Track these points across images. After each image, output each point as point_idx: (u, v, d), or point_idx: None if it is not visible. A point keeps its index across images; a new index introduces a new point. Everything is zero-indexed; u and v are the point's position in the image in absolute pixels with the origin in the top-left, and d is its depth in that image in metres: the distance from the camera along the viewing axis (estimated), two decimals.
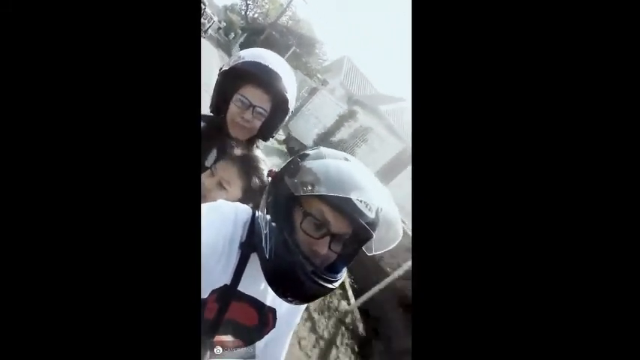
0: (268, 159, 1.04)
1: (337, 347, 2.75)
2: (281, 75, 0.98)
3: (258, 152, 1.00)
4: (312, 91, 8.93)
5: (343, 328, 2.98)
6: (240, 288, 0.69)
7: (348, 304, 3.36)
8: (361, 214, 0.61)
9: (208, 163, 0.95)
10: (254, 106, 0.97)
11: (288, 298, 0.64)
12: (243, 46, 17.37)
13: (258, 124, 1.00)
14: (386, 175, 5.92)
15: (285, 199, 0.64)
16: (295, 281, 0.60)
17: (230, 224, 0.68)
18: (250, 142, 1.04)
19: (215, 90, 1.02)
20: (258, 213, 0.67)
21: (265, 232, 0.63)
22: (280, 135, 8.21)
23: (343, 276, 0.66)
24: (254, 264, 0.67)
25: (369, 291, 3.20)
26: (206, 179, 0.89)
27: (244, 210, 0.71)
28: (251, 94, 0.97)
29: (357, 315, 3.26)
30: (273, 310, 0.75)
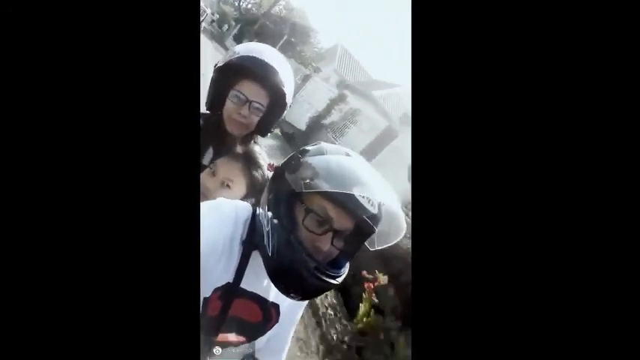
0: (262, 140, 1.06)
1: None
2: (277, 69, 0.96)
3: (257, 148, 0.99)
4: (305, 78, 9.33)
5: None
6: (243, 285, 0.70)
7: None
8: (364, 209, 0.61)
9: (205, 161, 0.94)
10: (250, 102, 0.96)
11: (291, 295, 0.64)
12: (237, 38, 17.58)
13: (255, 119, 0.99)
14: (371, 151, 6.39)
15: (286, 195, 0.64)
16: (298, 278, 0.61)
17: (230, 223, 0.68)
18: (248, 138, 1.03)
19: (210, 86, 1.00)
20: (259, 210, 0.67)
21: (267, 229, 0.63)
22: None
23: (346, 271, 0.67)
24: (256, 261, 0.67)
25: None
26: (208, 180, 0.89)
27: (244, 207, 0.71)
28: (247, 89, 0.96)
29: None
30: (276, 306, 0.76)
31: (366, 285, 2.65)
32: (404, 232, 0.66)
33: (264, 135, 1.05)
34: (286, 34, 17.55)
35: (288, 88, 1.00)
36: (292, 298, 0.65)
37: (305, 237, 0.62)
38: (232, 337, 0.72)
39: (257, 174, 0.91)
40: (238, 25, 18.57)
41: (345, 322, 2.68)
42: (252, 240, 0.67)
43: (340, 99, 8.20)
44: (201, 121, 1.02)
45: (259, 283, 0.71)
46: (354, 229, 0.64)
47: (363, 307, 2.64)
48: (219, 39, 17.00)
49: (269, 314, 0.75)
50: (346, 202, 0.61)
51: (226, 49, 15.69)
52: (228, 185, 0.88)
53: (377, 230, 0.65)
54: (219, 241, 0.66)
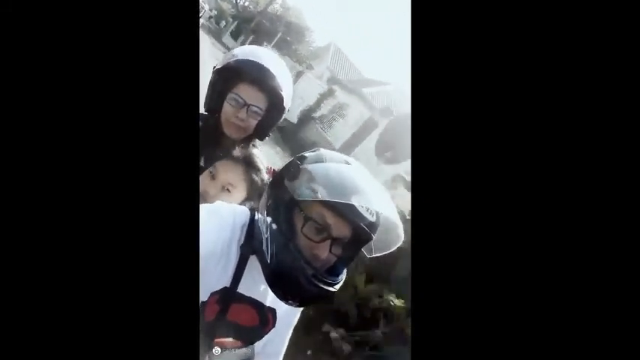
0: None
1: None
2: (275, 73, 0.96)
3: (255, 151, 0.98)
4: (298, 74, 10.00)
5: None
6: (240, 289, 0.70)
7: None
8: (362, 217, 0.62)
9: (202, 162, 0.93)
10: (249, 105, 0.96)
11: (289, 301, 0.65)
12: (234, 35, 18.12)
13: (253, 123, 0.99)
14: (354, 141, 7.04)
15: (285, 203, 0.64)
16: (296, 285, 0.61)
17: (229, 227, 0.68)
18: (247, 142, 1.02)
19: (209, 89, 1.00)
20: (257, 215, 0.67)
21: (266, 236, 0.63)
22: None
23: (343, 278, 0.67)
24: (253, 265, 0.67)
25: None
26: (208, 184, 0.89)
27: (242, 212, 0.72)
28: (245, 92, 0.96)
29: None
30: (273, 310, 0.76)
31: None
32: (402, 239, 0.66)
33: (262, 139, 1.05)
34: (282, 32, 18.03)
35: (287, 92, 1.00)
36: (290, 304, 0.66)
37: (303, 244, 0.62)
38: (229, 341, 0.73)
39: (256, 178, 0.91)
40: (235, 22, 19.03)
41: None
42: (250, 245, 0.67)
43: (329, 93, 8.83)
44: (200, 123, 1.00)
45: (256, 287, 0.71)
46: (351, 237, 0.65)
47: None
48: (216, 35, 17.43)
49: (266, 319, 0.76)
50: (345, 211, 0.61)
51: (223, 45, 16.07)
52: (228, 189, 0.88)
53: (374, 237, 0.66)
54: (218, 245, 0.67)
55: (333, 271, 0.66)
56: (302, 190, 0.62)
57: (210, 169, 0.90)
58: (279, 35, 16.48)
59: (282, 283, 0.64)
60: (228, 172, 0.90)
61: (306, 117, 8.82)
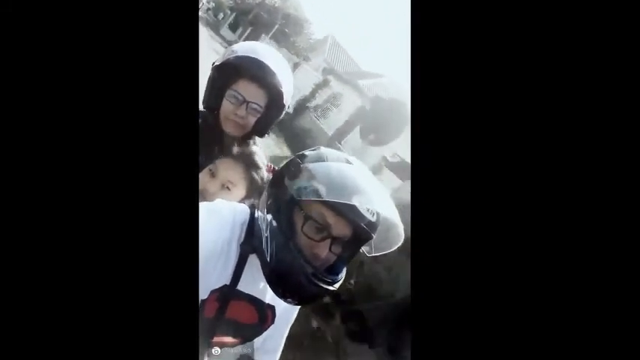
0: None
1: None
2: (275, 70, 0.95)
3: (255, 149, 0.97)
4: (295, 66, 10.32)
5: None
6: (240, 287, 0.70)
7: None
8: (362, 217, 0.62)
9: (201, 160, 0.92)
10: (248, 102, 0.94)
11: (288, 299, 0.65)
12: (232, 27, 18.33)
13: (252, 120, 0.97)
14: (347, 128, 7.39)
15: (285, 202, 0.64)
16: (296, 284, 0.61)
17: (228, 226, 0.68)
18: (246, 139, 1.01)
19: (208, 85, 0.98)
20: (257, 213, 0.67)
21: (266, 235, 0.63)
22: None
23: (343, 277, 0.67)
24: (253, 263, 0.67)
25: None
26: (208, 182, 0.89)
27: (242, 210, 0.71)
28: (245, 89, 0.94)
29: None
30: (272, 308, 0.76)
31: None
32: (402, 239, 0.66)
33: (261, 136, 1.04)
34: (280, 24, 18.12)
35: (287, 89, 0.98)
36: (289, 302, 0.66)
37: (303, 243, 0.62)
38: (228, 339, 0.73)
39: (256, 176, 0.91)
40: (233, 14, 19.18)
41: None
42: (250, 243, 0.67)
43: (324, 84, 9.15)
44: (199, 120, 0.99)
45: (256, 285, 0.71)
46: (351, 236, 0.65)
47: None
48: (214, 27, 17.59)
49: (265, 316, 0.76)
50: (346, 211, 0.61)
51: (221, 37, 16.26)
52: (228, 187, 0.88)
53: (374, 237, 0.66)
54: (217, 243, 0.67)
55: (333, 270, 0.66)
56: (302, 190, 0.62)
57: (210, 166, 0.90)
58: (276, 27, 16.67)
59: (281, 281, 0.64)
60: (228, 170, 0.89)
61: (302, 106, 9.15)
